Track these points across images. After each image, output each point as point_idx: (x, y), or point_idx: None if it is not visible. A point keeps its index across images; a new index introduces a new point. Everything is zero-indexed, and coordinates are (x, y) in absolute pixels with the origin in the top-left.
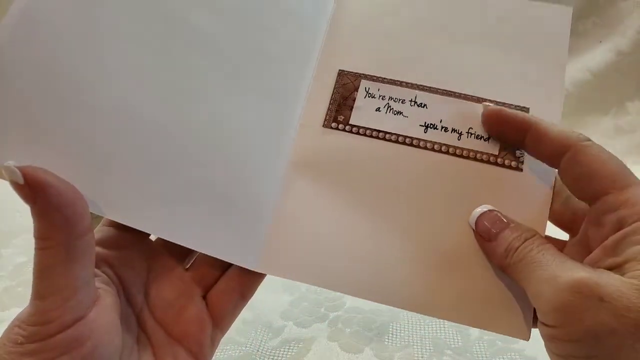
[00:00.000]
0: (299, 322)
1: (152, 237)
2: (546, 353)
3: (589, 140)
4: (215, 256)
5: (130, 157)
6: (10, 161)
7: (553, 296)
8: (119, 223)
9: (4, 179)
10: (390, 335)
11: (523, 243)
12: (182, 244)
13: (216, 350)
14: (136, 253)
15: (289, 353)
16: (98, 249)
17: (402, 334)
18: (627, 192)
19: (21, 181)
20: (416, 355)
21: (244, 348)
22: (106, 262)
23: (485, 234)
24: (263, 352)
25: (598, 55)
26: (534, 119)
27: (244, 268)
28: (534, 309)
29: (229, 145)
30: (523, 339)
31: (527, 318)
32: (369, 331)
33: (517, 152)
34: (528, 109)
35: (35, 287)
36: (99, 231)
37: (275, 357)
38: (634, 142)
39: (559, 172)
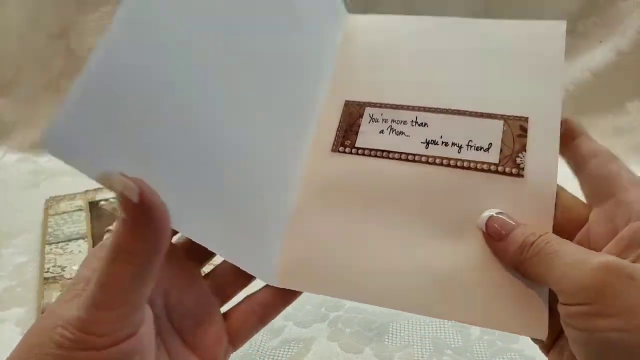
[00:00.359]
0: (299, 322)
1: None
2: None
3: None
4: (236, 264)
5: (183, 167)
6: (120, 173)
7: (583, 276)
8: None
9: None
10: (390, 335)
11: (539, 238)
12: (211, 249)
13: None
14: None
15: (289, 353)
16: None
17: (402, 334)
18: (636, 191)
19: (135, 199)
20: (416, 355)
21: (244, 348)
22: None
23: (496, 235)
24: (263, 352)
25: (598, 55)
26: (583, 128)
27: (269, 292)
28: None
29: (253, 160)
30: (541, 338)
31: (544, 318)
32: (369, 331)
33: (517, 159)
34: (527, 118)
35: (95, 296)
36: None
37: (275, 357)
38: (633, 142)
39: (581, 173)
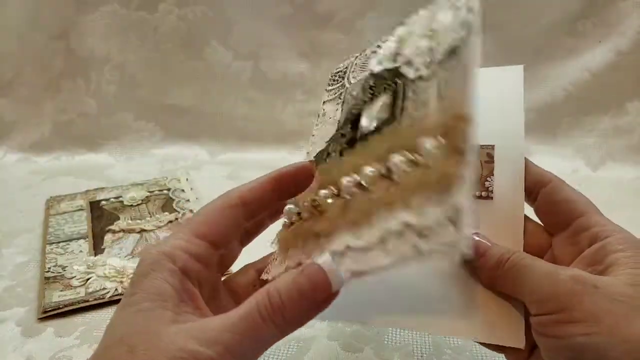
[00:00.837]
0: None
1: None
2: None
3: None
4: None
5: None
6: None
7: (554, 286)
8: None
9: None
10: (390, 334)
11: (513, 255)
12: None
13: None
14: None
15: (289, 352)
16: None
17: (402, 334)
18: (596, 215)
19: (335, 290)
20: (416, 354)
21: None
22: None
23: (475, 250)
24: None
25: (597, 55)
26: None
27: None
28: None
29: None
30: (519, 347)
31: (520, 328)
32: (369, 330)
33: (486, 183)
34: (493, 146)
35: (237, 345)
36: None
37: (276, 356)
38: (633, 142)
39: (535, 206)
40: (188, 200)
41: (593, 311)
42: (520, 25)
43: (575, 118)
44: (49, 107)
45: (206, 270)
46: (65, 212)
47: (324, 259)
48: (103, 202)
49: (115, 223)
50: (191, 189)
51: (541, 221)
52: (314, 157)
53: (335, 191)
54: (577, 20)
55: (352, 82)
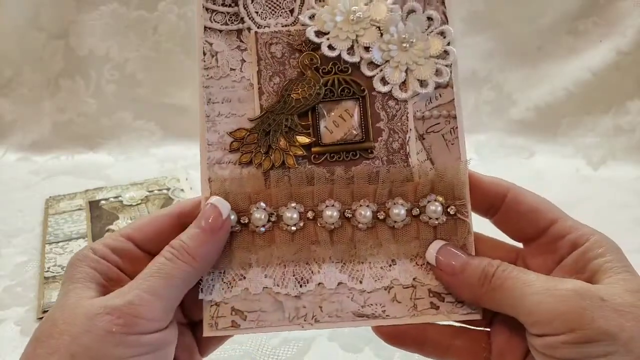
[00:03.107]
0: None
1: None
2: None
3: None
4: None
5: None
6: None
7: (556, 304)
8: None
9: None
10: None
11: (497, 268)
12: None
13: (217, 350)
14: None
15: (289, 352)
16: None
17: None
18: (568, 220)
19: (225, 215)
20: (416, 354)
21: (244, 347)
22: None
23: (449, 268)
24: (263, 351)
25: (598, 55)
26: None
27: None
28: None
29: None
30: (477, 318)
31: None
32: (369, 331)
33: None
34: None
35: (152, 283)
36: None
37: (276, 356)
38: (633, 141)
39: (496, 218)
40: None
41: (607, 329)
42: (521, 25)
43: (576, 117)
44: (49, 107)
45: (129, 263)
46: (64, 212)
47: (214, 199)
48: (102, 202)
49: (114, 222)
50: (190, 188)
51: (506, 233)
52: (234, 133)
53: (310, 215)
54: (578, 19)
55: (254, 16)
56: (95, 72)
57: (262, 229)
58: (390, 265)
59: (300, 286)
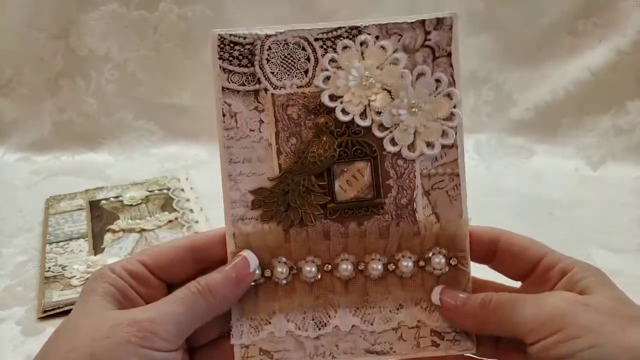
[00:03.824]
0: None
1: None
2: None
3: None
4: None
5: None
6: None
7: (545, 311)
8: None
9: None
10: None
11: (494, 295)
12: None
13: None
14: None
15: None
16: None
17: None
18: (554, 253)
19: (251, 270)
20: None
21: None
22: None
23: (452, 305)
24: None
25: (598, 55)
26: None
27: None
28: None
29: None
30: (472, 352)
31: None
32: None
33: None
34: None
35: (174, 309)
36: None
37: None
38: (633, 141)
39: (493, 263)
40: (188, 200)
41: (590, 325)
42: (521, 25)
43: (575, 117)
44: (49, 107)
45: (145, 288)
46: (65, 212)
47: (246, 252)
48: (103, 202)
49: (115, 222)
50: (191, 188)
51: (503, 273)
52: (256, 191)
53: (327, 268)
54: (578, 19)
55: (270, 77)
56: (95, 72)
57: (284, 281)
58: (397, 309)
59: (319, 329)
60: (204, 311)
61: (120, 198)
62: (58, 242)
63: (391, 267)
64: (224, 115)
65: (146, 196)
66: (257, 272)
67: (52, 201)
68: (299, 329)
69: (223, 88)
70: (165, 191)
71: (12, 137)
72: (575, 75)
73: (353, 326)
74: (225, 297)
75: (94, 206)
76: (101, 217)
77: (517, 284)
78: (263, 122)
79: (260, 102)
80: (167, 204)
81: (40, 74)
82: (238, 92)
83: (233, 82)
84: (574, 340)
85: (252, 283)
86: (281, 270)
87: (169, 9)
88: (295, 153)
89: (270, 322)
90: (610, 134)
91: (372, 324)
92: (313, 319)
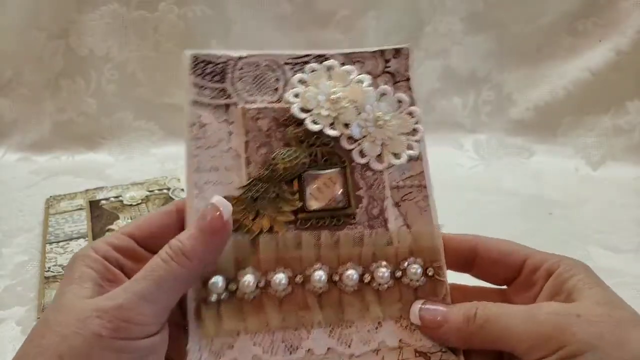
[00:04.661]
0: None
1: None
2: None
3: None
4: None
5: None
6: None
7: (541, 327)
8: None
9: None
10: None
11: (477, 309)
12: None
13: None
14: None
15: None
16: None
17: None
18: (536, 254)
19: (226, 218)
20: None
21: None
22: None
23: (433, 324)
24: None
25: (598, 55)
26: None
27: None
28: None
29: None
30: None
31: None
32: None
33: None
34: None
35: (143, 287)
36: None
37: None
38: (633, 141)
39: (474, 271)
40: None
41: (588, 339)
42: (520, 25)
43: (575, 117)
44: (49, 107)
45: (131, 261)
46: (65, 212)
47: (215, 198)
48: (103, 202)
49: (115, 222)
50: None
51: (487, 280)
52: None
53: (299, 280)
54: (578, 19)
55: (241, 93)
56: (95, 72)
57: (251, 296)
58: (376, 328)
59: (290, 353)
60: (182, 279)
61: (120, 198)
62: (58, 242)
63: (367, 278)
64: (193, 125)
65: (146, 196)
66: (221, 284)
67: (52, 201)
68: (267, 353)
69: (194, 101)
70: (165, 191)
71: (12, 137)
72: (575, 75)
73: (329, 349)
74: (201, 255)
75: (94, 206)
76: (101, 217)
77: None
78: (232, 133)
79: (230, 115)
80: (167, 204)
81: (40, 74)
82: (208, 105)
83: (204, 96)
84: (576, 357)
85: (213, 299)
86: (247, 282)
87: (169, 9)
88: (265, 162)
89: (233, 346)
90: (610, 134)
91: (349, 346)
92: (283, 341)
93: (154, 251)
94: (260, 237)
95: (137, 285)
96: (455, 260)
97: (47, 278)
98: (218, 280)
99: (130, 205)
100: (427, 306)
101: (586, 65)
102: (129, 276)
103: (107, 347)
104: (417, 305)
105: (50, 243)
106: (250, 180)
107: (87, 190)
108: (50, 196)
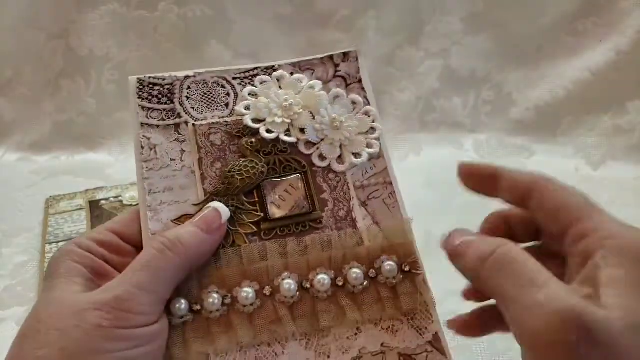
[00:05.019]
0: None
1: None
2: None
3: (550, 178)
4: None
5: None
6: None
7: (548, 328)
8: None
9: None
10: None
11: (498, 249)
12: None
13: None
14: None
15: None
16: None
17: None
18: (590, 221)
19: (224, 221)
20: None
21: None
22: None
23: (453, 252)
24: None
25: (598, 55)
26: (500, 168)
27: None
28: None
29: None
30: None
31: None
32: None
33: None
34: None
35: (141, 278)
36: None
37: None
38: (633, 141)
39: (528, 212)
40: None
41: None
42: (521, 25)
43: (575, 117)
44: (49, 107)
45: (116, 255)
46: (64, 212)
47: (215, 204)
48: (102, 202)
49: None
50: None
51: (541, 227)
52: (179, 220)
53: (267, 291)
54: (578, 19)
55: (190, 112)
56: (95, 72)
57: (217, 314)
58: (355, 335)
59: None
60: (176, 269)
61: (120, 198)
62: (58, 242)
63: (340, 281)
64: (142, 147)
65: None
66: (184, 306)
67: (52, 201)
68: None
69: (142, 124)
70: None
71: (12, 137)
72: (575, 75)
73: None
74: (197, 248)
75: (94, 206)
76: (101, 217)
77: None
78: (185, 151)
79: (181, 134)
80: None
81: (40, 74)
82: (158, 126)
83: (152, 118)
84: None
85: (180, 320)
86: (212, 301)
87: (169, 9)
88: (221, 176)
89: None
90: (611, 134)
91: (328, 357)
92: None
93: (137, 246)
94: (221, 251)
95: (133, 276)
96: (511, 197)
97: None
98: (181, 303)
99: (130, 205)
100: (457, 231)
101: (586, 65)
102: (117, 270)
103: (109, 336)
104: (446, 234)
105: (50, 243)
106: (207, 196)
107: (86, 191)
108: (50, 196)
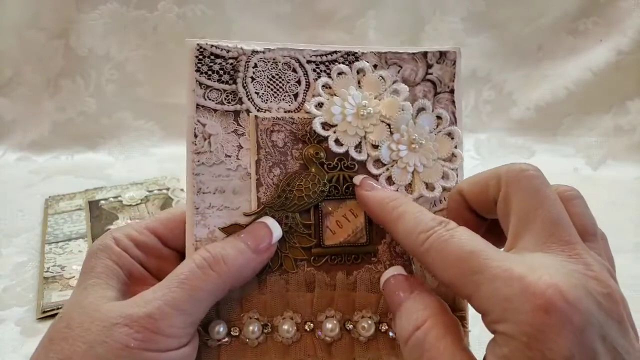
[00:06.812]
0: None
1: None
2: None
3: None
4: None
5: None
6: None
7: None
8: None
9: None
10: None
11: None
12: None
13: None
14: None
15: None
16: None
17: None
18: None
19: (273, 242)
20: None
21: None
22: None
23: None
24: None
25: (599, 55)
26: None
27: None
28: None
29: None
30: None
31: None
32: None
33: None
34: None
35: (177, 296)
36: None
37: None
38: (633, 141)
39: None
40: None
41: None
42: (521, 24)
43: (576, 117)
44: (49, 106)
45: (155, 260)
46: (64, 212)
47: (268, 220)
48: (102, 202)
49: (114, 222)
50: None
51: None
52: (228, 229)
53: (309, 327)
54: (579, 19)
55: (254, 98)
56: (95, 72)
57: (255, 342)
58: None
59: None
60: (215, 289)
61: (119, 198)
62: (57, 242)
63: (383, 327)
64: (195, 136)
65: (145, 196)
66: (222, 330)
67: (51, 201)
68: None
69: (198, 105)
70: (164, 191)
71: (12, 137)
72: (576, 75)
73: None
74: (241, 269)
75: (93, 206)
76: (100, 217)
77: None
78: (242, 147)
79: (240, 125)
80: (166, 204)
81: (40, 74)
82: (215, 111)
83: (210, 100)
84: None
85: (217, 343)
86: (252, 329)
87: (169, 9)
88: (279, 186)
89: None
90: (611, 133)
91: None
92: None
93: (177, 249)
94: (267, 276)
95: (169, 293)
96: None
97: (46, 278)
98: (220, 326)
99: (130, 205)
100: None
101: (587, 65)
102: (154, 275)
103: (136, 358)
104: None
105: (50, 243)
106: (261, 207)
107: (86, 190)
108: (50, 196)
